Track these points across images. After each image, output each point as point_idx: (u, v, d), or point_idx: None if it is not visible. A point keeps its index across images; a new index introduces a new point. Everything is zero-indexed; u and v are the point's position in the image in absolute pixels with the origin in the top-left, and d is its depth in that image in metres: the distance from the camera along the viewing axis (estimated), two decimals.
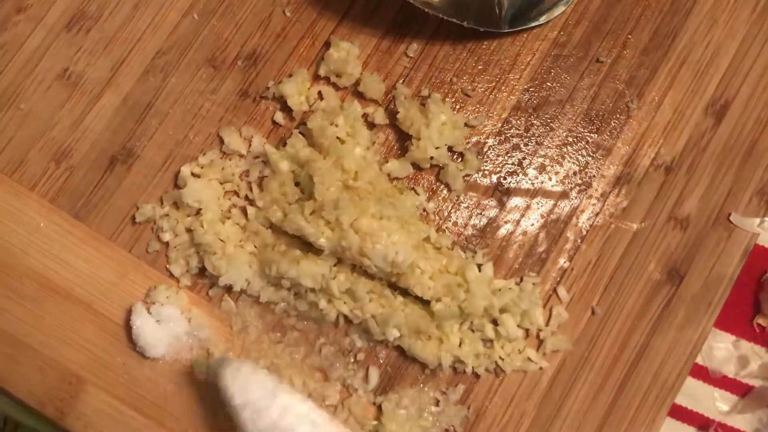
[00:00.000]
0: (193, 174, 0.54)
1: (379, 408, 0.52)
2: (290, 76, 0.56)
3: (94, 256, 0.54)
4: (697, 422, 0.57)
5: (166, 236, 0.53)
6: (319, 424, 0.48)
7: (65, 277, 0.53)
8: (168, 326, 0.52)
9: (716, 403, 0.58)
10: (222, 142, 0.55)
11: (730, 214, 0.55)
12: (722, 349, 0.58)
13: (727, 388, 0.58)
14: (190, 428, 0.52)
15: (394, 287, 0.52)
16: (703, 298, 0.54)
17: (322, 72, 0.56)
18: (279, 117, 0.56)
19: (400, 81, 0.56)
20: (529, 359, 0.53)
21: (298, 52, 0.57)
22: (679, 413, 0.58)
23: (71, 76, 0.56)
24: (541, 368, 0.53)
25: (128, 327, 0.52)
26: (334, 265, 0.51)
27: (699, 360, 0.58)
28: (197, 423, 0.52)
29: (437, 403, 0.52)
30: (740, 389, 0.58)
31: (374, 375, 0.52)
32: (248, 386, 0.48)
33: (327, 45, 0.56)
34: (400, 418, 0.52)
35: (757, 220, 0.55)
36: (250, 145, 0.55)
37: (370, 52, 0.57)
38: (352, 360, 0.53)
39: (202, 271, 0.53)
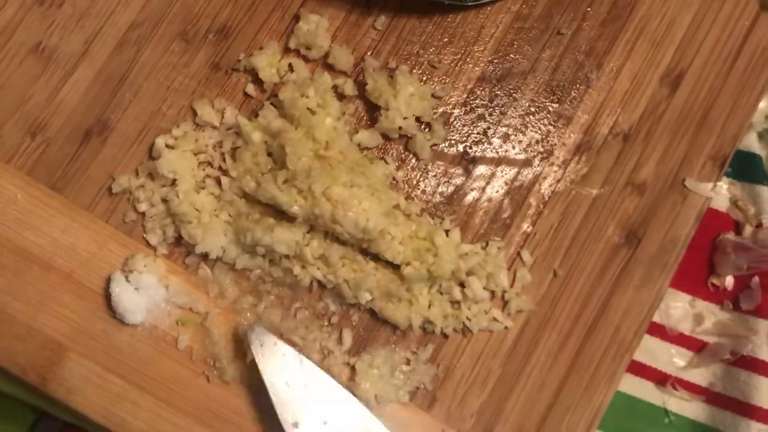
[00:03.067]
0: (167, 145, 0.55)
1: (353, 368, 0.54)
2: (261, 48, 0.57)
3: (71, 227, 0.55)
4: (655, 377, 0.60)
5: (142, 206, 0.55)
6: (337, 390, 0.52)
7: (44, 247, 0.54)
8: (146, 294, 0.53)
9: (673, 359, 0.60)
10: (195, 114, 0.56)
11: (684, 179, 0.57)
12: (679, 308, 0.61)
13: (683, 344, 0.61)
14: (170, 391, 0.53)
15: (365, 253, 0.54)
16: (659, 259, 0.56)
17: (292, 45, 0.57)
18: (250, 89, 0.57)
19: (369, 53, 0.58)
20: (495, 319, 0.55)
21: (268, 25, 0.58)
22: (639, 369, 0.60)
23: (45, 50, 0.57)
24: (506, 328, 0.55)
25: (107, 295, 0.53)
26: (307, 232, 0.53)
27: (657, 318, 0.60)
28: (177, 386, 0.53)
29: (408, 362, 0.55)
30: (695, 345, 0.60)
31: (348, 337, 0.55)
32: (275, 354, 0.51)
33: (296, 18, 0.57)
34: (373, 377, 0.54)
35: (710, 185, 0.57)
36: (222, 116, 0.56)
37: (338, 25, 0.58)
38: (327, 323, 0.55)
39: (179, 239, 0.54)
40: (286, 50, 0.57)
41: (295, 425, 0.51)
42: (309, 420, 0.51)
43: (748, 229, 0.61)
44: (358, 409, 0.52)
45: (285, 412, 0.51)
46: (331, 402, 0.52)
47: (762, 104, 0.62)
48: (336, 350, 0.54)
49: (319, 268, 0.53)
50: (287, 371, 0.51)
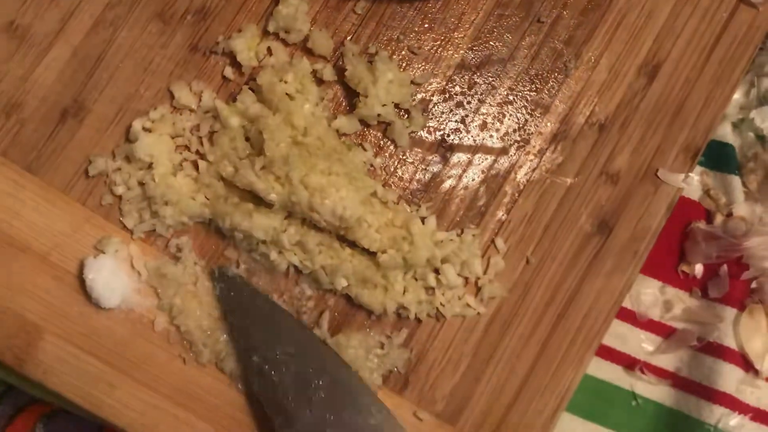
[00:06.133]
0: (144, 128, 0.55)
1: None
2: (239, 31, 0.56)
3: (47, 209, 0.55)
4: (624, 362, 0.61)
5: (119, 189, 0.55)
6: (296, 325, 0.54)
7: (19, 229, 0.54)
8: (122, 277, 0.53)
9: (642, 344, 0.62)
10: (172, 96, 0.56)
11: (657, 170, 0.58)
12: (649, 295, 0.62)
13: (652, 330, 0.62)
14: (147, 373, 0.54)
15: (342, 239, 0.54)
16: (629, 248, 0.57)
17: (271, 28, 0.56)
18: (229, 72, 0.57)
19: (348, 38, 0.57)
20: (468, 305, 0.56)
21: (247, 7, 0.57)
22: (609, 354, 0.62)
23: (18, 28, 0.56)
24: (478, 313, 0.56)
25: (83, 278, 0.53)
26: (285, 218, 0.53)
27: (628, 305, 0.61)
28: (153, 367, 0.54)
29: (382, 346, 0.55)
30: (664, 331, 0.61)
31: (324, 319, 0.55)
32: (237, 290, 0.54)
33: (276, 0, 0.57)
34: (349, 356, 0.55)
35: (682, 176, 0.58)
36: (200, 99, 0.56)
37: (318, 9, 0.57)
38: (303, 307, 0.55)
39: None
40: (265, 33, 0.57)
41: (252, 353, 0.53)
42: (265, 350, 0.52)
43: (718, 218, 0.62)
44: (316, 343, 0.53)
45: (242, 342, 0.53)
46: (289, 336, 0.53)
47: (736, 95, 0.63)
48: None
49: (295, 254, 0.54)
50: (248, 307, 0.53)
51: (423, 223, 0.56)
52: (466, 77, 0.58)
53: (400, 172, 0.57)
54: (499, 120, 0.58)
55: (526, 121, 0.58)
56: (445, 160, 0.57)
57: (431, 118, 0.57)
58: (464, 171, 0.57)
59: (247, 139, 0.55)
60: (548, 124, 0.58)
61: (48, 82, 0.56)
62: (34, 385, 0.55)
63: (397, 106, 0.57)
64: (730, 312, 0.61)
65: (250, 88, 0.56)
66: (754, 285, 0.61)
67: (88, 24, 0.56)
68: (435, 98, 0.58)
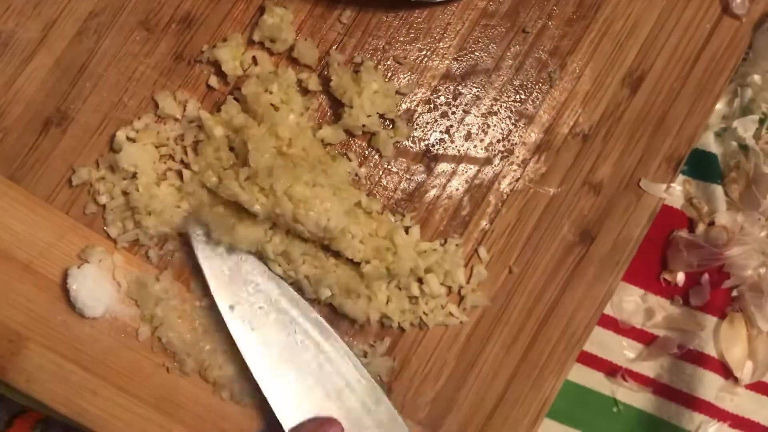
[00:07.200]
0: (128, 138, 0.55)
1: None
2: (225, 40, 0.56)
3: (30, 218, 0.55)
4: (606, 368, 0.62)
5: (103, 199, 0.55)
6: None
7: (2, 237, 0.54)
8: (105, 287, 0.53)
9: (624, 351, 0.62)
10: (157, 105, 0.56)
11: (639, 180, 0.58)
12: (631, 302, 0.63)
13: (634, 337, 0.62)
14: (131, 381, 0.54)
15: (326, 249, 0.55)
16: (611, 257, 0.58)
17: (256, 37, 0.56)
18: (213, 81, 0.56)
19: (334, 47, 0.57)
20: (451, 314, 0.56)
21: (232, 16, 0.57)
22: (591, 360, 0.62)
23: (0, 36, 0.55)
24: (461, 322, 0.56)
25: (67, 287, 0.53)
26: (269, 228, 0.54)
27: (610, 312, 0.62)
28: (137, 376, 0.54)
29: (365, 355, 0.56)
30: (646, 338, 0.62)
31: None
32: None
33: (261, 9, 0.57)
34: None
35: (664, 186, 0.58)
36: (184, 109, 0.56)
37: (304, 18, 0.57)
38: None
39: None
40: (250, 42, 0.57)
41: (231, 308, 0.53)
42: (244, 303, 0.53)
43: (701, 227, 0.62)
44: (293, 297, 0.54)
45: (221, 296, 0.53)
46: (268, 290, 0.54)
47: (719, 105, 0.63)
48: None
49: (280, 264, 0.54)
50: (225, 260, 0.53)
51: (407, 232, 0.56)
52: (451, 87, 0.58)
53: (384, 182, 0.57)
54: (483, 130, 0.58)
55: (510, 131, 0.58)
56: (429, 170, 0.57)
57: (416, 128, 0.57)
58: (448, 181, 0.57)
59: (232, 149, 0.55)
60: (532, 134, 0.58)
61: (30, 91, 0.55)
62: (23, 395, 0.55)
63: (382, 116, 0.57)
64: (710, 320, 0.61)
65: (234, 98, 0.56)
66: (734, 294, 0.62)
67: (71, 32, 0.56)
68: (420, 108, 0.58)
